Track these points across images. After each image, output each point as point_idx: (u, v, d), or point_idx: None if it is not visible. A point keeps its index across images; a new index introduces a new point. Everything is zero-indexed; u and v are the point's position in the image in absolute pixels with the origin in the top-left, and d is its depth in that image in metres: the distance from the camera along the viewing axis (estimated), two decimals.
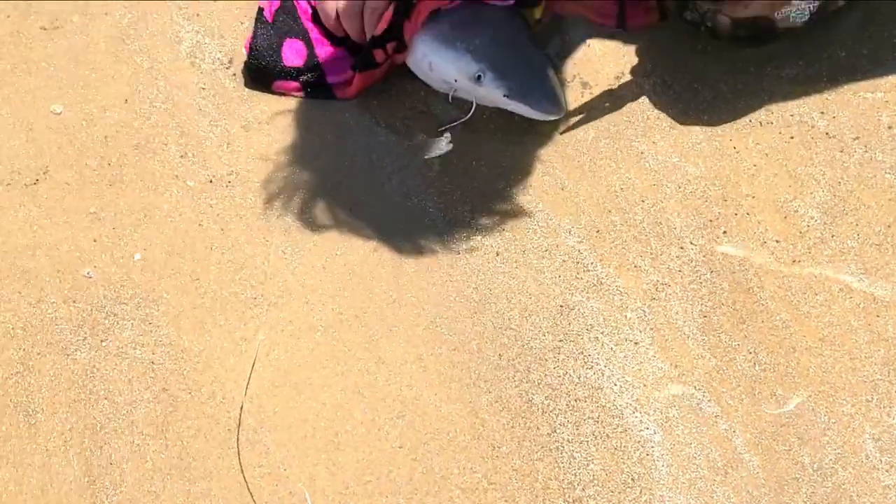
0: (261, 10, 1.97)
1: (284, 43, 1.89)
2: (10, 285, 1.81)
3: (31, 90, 1.97)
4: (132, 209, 1.87)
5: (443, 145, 1.91)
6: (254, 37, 1.90)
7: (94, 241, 1.84)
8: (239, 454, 1.70)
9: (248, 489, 1.67)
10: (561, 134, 1.94)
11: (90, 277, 1.83)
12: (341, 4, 1.82)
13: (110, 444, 1.70)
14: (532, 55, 1.88)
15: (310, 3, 1.90)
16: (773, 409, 1.70)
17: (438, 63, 1.89)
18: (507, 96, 1.83)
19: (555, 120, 1.88)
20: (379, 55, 1.86)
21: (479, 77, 1.83)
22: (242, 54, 2.01)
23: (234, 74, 1.99)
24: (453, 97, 1.91)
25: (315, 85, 1.90)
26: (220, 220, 1.86)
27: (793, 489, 1.64)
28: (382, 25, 1.81)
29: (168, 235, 1.85)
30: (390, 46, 1.84)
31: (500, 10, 1.92)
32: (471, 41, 1.87)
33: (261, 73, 1.90)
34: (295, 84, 1.89)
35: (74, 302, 1.80)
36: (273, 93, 1.95)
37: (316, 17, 1.89)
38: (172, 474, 1.67)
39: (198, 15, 2.09)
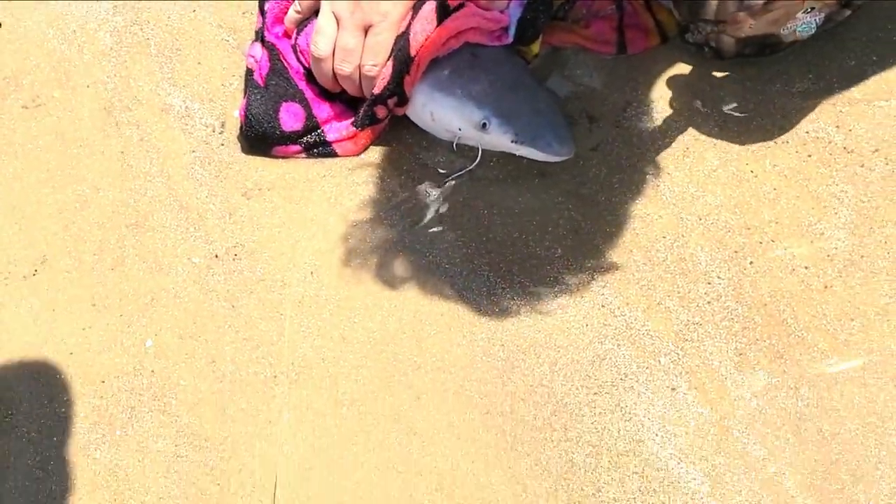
0: (249, 72, 1.84)
1: (281, 107, 1.78)
2: (20, 386, 1.71)
3: (19, 175, 1.84)
4: (138, 293, 1.76)
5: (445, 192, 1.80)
6: (248, 104, 1.78)
7: (102, 330, 1.72)
8: None
9: None
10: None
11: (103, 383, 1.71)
12: (339, 66, 1.70)
13: None
14: (536, 95, 1.77)
15: (302, 64, 1.77)
16: (819, 450, 1.60)
17: (440, 113, 1.78)
18: (515, 142, 1.72)
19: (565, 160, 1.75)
20: (381, 111, 1.76)
21: (485, 125, 1.72)
22: (234, 117, 1.89)
23: (228, 139, 1.86)
24: (458, 145, 1.79)
25: (316, 145, 1.78)
26: (230, 296, 1.75)
27: None
28: (382, 84, 1.69)
29: (178, 318, 1.74)
30: (391, 101, 1.73)
31: (499, 51, 1.81)
32: (472, 87, 1.76)
33: (259, 140, 1.78)
34: (296, 147, 1.78)
35: (88, 398, 1.69)
36: (272, 157, 1.81)
37: (310, 77, 1.76)
38: None
39: (184, 79, 1.95)
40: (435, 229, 1.78)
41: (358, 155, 1.83)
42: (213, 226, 1.81)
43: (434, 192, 1.81)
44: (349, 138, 1.80)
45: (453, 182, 1.81)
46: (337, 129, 1.80)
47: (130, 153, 1.89)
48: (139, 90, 1.96)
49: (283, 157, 1.82)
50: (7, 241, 1.82)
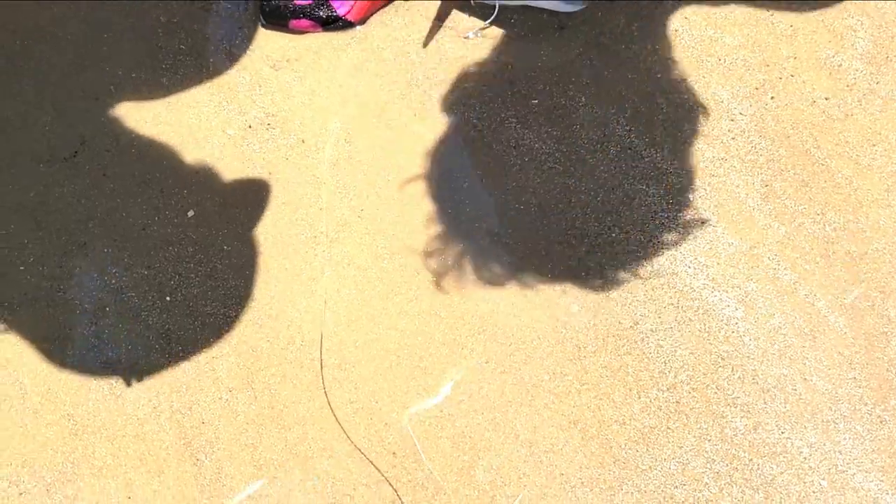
0: None
1: None
2: (71, 261, 1.71)
3: (55, 65, 1.84)
4: (177, 167, 1.75)
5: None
6: None
7: (145, 204, 1.72)
8: (326, 395, 1.61)
9: (342, 428, 1.59)
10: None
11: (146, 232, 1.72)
12: None
13: (199, 404, 1.61)
14: None
15: None
16: (849, 270, 1.60)
17: None
18: None
19: (580, 10, 1.73)
20: None
21: None
22: None
23: (253, 18, 1.85)
24: (476, 2, 1.78)
25: (330, 20, 1.77)
26: (266, 164, 1.75)
27: (882, 343, 1.56)
28: None
29: (217, 187, 1.75)
30: None
31: None
32: None
33: (275, 13, 1.77)
34: (308, 22, 1.76)
35: (136, 268, 1.70)
36: (291, 32, 1.81)
37: None
38: (266, 424, 1.58)
39: None
40: (462, 86, 1.78)
41: (371, 13, 1.81)
42: (245, 97, 1.81)
43: (457, 51, 1.79)
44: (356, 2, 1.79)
45: (475, 39, 1.79)
46: (345, 4, 1.79)
47: (158, 35, 1.87)
48: None
49: (300, 33, 1.80)
50: (46, 126, 1.82)
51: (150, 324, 1.66)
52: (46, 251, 1.72)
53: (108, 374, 1.64)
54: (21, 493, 1.59)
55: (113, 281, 1.69)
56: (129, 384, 1.63)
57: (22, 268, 1.71)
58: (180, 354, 1.64)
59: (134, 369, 1.63)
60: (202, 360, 1.64)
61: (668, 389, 1.56)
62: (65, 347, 1.66)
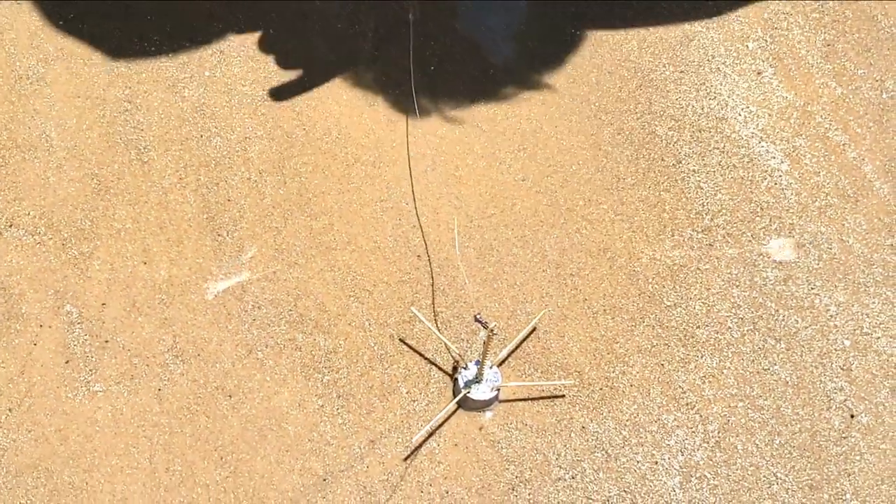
0: None
1: None
2: (109, 22, 1.64)
3: None
4: None
5: None
6: None
7: None
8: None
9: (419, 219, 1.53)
10: None
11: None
12: None
13: (226, 181, 1.55)
14: None
15: None
16: None
17: None
18: None
19: None
20: None
21: None
22: None
23: None
24: None
25: None
26: None
27: None
28: None
29: None
30: None
31: None
32: None
33: None
34: None
35: (177, 38, 1.62)
36: None
37: None
38: (293, 211, 1.52)
39: None
40: None
41: None
42: None
43: None
44: None
45: None
46: None
47: None
48: None
49: None
50: None
51: (186, 96, 1.59)
52: (89, 10, 1.63)
53: (137, 139, 1.56)
54: (37, 244, 1.52)
55: (152, 48, 1.62)
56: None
57: (61, 23, 1.63)
58: (213, 130, 1.57)
59: (164, 138, 1.55)
60: (234, 139, 1.58)
61: (702, 231, 1.50)
62: (96, 107, 1.58)
